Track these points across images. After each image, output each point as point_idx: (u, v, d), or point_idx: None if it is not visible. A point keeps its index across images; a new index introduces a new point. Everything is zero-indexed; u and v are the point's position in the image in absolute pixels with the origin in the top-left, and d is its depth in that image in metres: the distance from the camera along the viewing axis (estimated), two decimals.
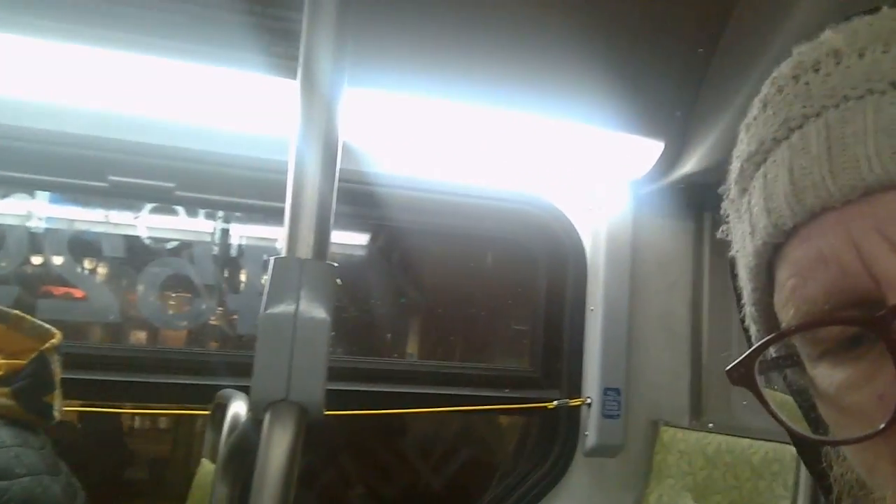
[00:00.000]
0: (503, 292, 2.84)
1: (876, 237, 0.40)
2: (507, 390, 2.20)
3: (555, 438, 2.21)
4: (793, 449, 1.80)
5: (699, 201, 2.30)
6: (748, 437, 1.91)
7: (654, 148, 2.02)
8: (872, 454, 0.43)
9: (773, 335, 0.45)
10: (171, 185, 1.86)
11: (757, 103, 0.50)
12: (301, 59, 1.08)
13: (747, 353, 0.45)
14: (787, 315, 0.46)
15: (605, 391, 2.16)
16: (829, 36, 0.47)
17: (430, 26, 1.68)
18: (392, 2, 1.63)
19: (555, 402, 2.17)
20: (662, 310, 2.31)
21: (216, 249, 2.57)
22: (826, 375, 0.45)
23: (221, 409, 1.26)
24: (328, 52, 1.09)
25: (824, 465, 0.52)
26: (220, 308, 2.59)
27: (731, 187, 0.52)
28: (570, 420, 2.20)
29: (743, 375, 0.45)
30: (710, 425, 2.14)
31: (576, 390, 2.21)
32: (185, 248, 2.51)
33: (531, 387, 2.26)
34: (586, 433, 2.17)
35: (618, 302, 2.21)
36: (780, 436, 1.83)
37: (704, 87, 1.87)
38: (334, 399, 0.92)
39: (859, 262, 0.41)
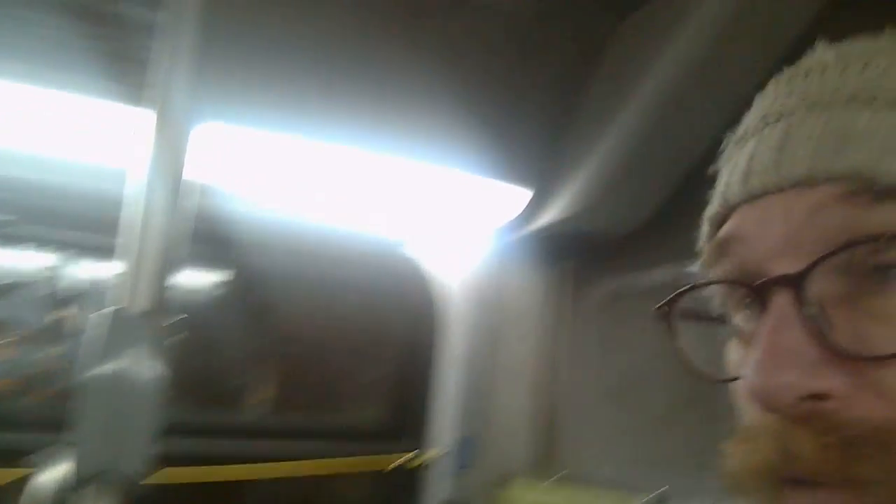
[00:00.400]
0: (357, 342, 2.75)
1: (787, 219, 0.47)
2: (355, 444, 2.13)
3: (406, 493, 2.15)
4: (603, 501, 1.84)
5: (561, 249, 2.31)
6: (597, 487, 1.94)
7: (516, 195, 2.04)
8: (741, 395, 0.50)
9: (683, 288, 0.54)
10: (10, 218, 1.72)
11: (757, 96, 0.57)
12: (154, 89, 1.02)
13: (670, 296, 0.54)
14: (709, 274, 0.55)
15: (458, 443, 2.14)
16: (824, 50, 0.54)
17: (290, 63, 1.64)
18: (255, 36, 1.58)
19: (405, 456, 2.12)
20: (518, 359, 2.31)
21: (55, 289, 2.37)
22: (737, 326, 0.54)
23: (42, 472, 1.13)
24: (182, 82, 1.03)
25: None
26: (54, 355, 2.38)
27: (721, 167, 0.58)
28: (421, 474, 2.15)
29: (664, 315, 0.54)
30: (560, 474, 2.15)
31: (427, 443, 2.16)
32: (17, 287, 2.29)
33: (381, 439, 2.19)
34: (437, 487, 2.13)
35: (473, 351, 2.20)
36: (626, 484, 1.87)
37: (568, 136, 1.92)
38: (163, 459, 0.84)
39: (765, 238, 0.48)
